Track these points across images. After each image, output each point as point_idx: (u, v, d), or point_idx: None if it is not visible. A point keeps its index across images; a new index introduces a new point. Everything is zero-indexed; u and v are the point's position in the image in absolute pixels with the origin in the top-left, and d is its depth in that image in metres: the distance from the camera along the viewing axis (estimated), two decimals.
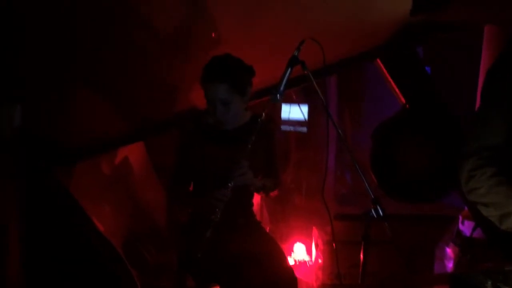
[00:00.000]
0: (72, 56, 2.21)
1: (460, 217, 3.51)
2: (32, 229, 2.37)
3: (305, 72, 1.92)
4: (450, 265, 3.41)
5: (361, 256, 1.82)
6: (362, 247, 1.82)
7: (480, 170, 1.75)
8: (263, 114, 2.09)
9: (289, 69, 1.97)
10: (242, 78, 2.15)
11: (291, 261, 3.80)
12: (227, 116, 2.15)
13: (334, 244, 3.01)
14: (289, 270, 2.13)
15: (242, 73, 2.15)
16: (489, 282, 1.34)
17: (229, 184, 2.05)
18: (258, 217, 2.50)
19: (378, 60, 3.09)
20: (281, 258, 2.20)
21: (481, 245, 3.21)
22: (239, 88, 2.14)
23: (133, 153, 3.57)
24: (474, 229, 3.33)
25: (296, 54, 1.95)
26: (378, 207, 1.78)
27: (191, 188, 2.34)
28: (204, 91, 2.14)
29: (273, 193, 2.36)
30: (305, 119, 4.63)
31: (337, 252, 2.32)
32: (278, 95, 1.98)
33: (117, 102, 2.68)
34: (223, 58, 2.14)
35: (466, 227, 3.44)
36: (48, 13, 1.93)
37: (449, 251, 3.47)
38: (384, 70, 3.09)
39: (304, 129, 4.71)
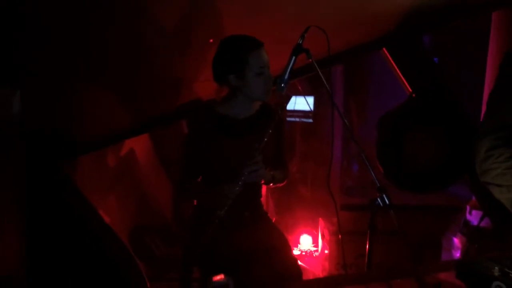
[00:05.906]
0: (77, 50, 2.19)
1: (468, 207, 3.49)
2: (36, 222, 2.37)
3: (310, 60, 1.90)
4: (457, 254, 3.39)
5: (367, 245, 1.81)
6: (368, 236, 1.81)
7: (497, 150, 1.73)
8: (284, 106, 2.05)
9: (294, 58, 1.95)
10: None
11: (297, 252, 3.81)
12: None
13: (340, 235, 3.00)
14: (294, 260, 2.12)
15: None
16: (496, 268, 1.33)
17: (240, 182, 1.99)
18: (264, 208, 2.48)
19: (384, 49, 3.06)
20: (286, 248, 2.18)
21: (489, 234, 3.19)
22: None
23: (138, 145, 3.57)
24: (481, 219, 3.31)
25: (300, 42, 1.92)
26: (384, 196, 1.76)
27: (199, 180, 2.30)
28: (254, 60, 2.03)
29: (281, 184, 2.32)
30: (311, 110, 4.62)
31: (343, 243, 2.30)
32: (282, 84, 1.97)
33: (121, 95, 2.67)
34: None
35: (473, 216, 3.42)
36: (51, 5, 1.92)
37: (456, 241, 3.45)
38: (390, 59, 3.07)
39: (310, 120, 4.70)
